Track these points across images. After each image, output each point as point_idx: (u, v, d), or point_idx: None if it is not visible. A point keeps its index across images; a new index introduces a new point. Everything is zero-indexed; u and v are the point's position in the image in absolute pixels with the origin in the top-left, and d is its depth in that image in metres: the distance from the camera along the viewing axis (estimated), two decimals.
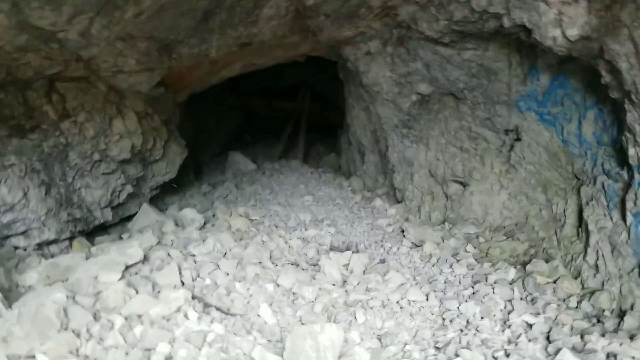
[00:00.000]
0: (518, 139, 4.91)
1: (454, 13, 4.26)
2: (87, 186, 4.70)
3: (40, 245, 4.35)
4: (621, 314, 3.36)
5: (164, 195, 6.73)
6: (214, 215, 5.61)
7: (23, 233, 4.21)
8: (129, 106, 4.97)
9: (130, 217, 5.72)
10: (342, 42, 5.54)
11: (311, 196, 6.43)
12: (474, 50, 4.96)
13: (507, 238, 4.76)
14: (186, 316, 2.97)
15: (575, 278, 3.92)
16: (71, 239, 4.66)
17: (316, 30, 5.23)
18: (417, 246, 4.43)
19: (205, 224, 5.16)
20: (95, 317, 2.87)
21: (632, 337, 2.87)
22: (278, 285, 3.58)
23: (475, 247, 4.75)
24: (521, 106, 4.85)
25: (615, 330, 3.07)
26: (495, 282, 3.72)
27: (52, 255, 4.40)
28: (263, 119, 13.26)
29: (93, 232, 5.15)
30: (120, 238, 5.25)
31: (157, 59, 4.75)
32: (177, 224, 5.20)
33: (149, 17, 4.18)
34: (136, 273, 3.72)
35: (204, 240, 4.52)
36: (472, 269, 3.85)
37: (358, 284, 3.73)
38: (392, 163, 6.50)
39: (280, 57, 6.10)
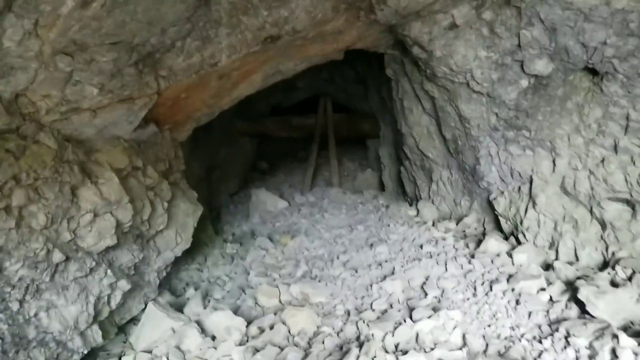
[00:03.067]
0: None
1: None
2: (50, 306, 2.82)
3: None
4: None
5: (177, 268, 4.86)
6: (256, 303, 3.72)
7: None
8: (103, 163, 3.11)
9: (134, 319, 3.88)
10: (410, 16, 3.66)
11: (383, 245, 4.51)
12: None
13: None
14: None
15: None
16: None
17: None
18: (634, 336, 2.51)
19: (248, 325, 3.27)
20: None
21: None
22: None
23: None
24: None
25: None
26: None
27: None
28: (277, 141, 11.44)
29: None
30: None
31: (136, 80, 2.89)
32: (203, 332, 3.32)
33: (108, 8, 2.33)
34: None
35: None
36: None
37: None
38: (488, 181, 4.59)
39: (315, 57, 4.23)
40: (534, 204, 4.08)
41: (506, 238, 4.39)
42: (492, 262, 3.77)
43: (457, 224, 5.08)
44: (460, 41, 3.81)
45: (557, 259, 3.81)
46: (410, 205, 6.09)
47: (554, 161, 3.95)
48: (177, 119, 3.93)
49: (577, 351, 2.47)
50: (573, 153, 3.83)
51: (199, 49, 3.00)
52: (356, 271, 3.99)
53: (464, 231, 4.80)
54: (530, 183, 4.13)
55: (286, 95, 10.16)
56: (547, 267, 3.68)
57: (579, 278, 3.32)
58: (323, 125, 8.84)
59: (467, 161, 4.85)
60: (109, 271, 3.23)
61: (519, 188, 4.28)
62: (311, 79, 10.18)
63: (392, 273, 3.84)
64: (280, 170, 10.33)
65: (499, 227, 4.61)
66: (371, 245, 4.56)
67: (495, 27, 3.62)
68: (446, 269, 3.77)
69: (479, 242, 4.27)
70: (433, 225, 5.09)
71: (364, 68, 8.42)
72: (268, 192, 6.82)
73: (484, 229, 4.81)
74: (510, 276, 3.45)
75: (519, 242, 4.20)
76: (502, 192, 4.50)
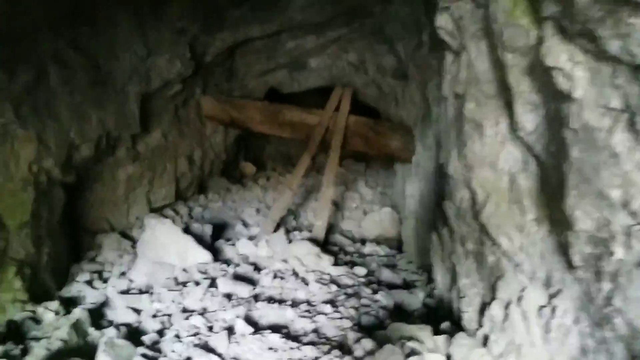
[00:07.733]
0: None
1: None
2: None
3: None
4: None
5: None
6: None
7: None
8: None
9: None
10: None
11: None
12: None
13: None
14: None
15: None
16: None
17: None
18: None
19: None
20: None
21: None
22: None
23: None
24: None
25: None
26: None
27: None
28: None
29: None
30: None
31: None
32: None
33: None
34: None
35: None
36: None
37: None
38: None
39: None
40: None
41: None
42: None
43: None
44: None
45: None
46: (437, 331, 2.81)
47: None
48: None
49: None
50: None
51: None
52: None
53: None
54: None
55: (291, 74, 6.97)
56: None
57: None
58: (328, 128, 5.61)
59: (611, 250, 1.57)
60: None
61: None
62: (331, 58, 6.98)
63: None
64: (265, 179, 7.18)
65: None
66: None
67: None
68: None
69: None
70: None
71: (406, 48, 5.16)
72: (174, 227, 3.61)
73: None
74: None
75: None
76: None
